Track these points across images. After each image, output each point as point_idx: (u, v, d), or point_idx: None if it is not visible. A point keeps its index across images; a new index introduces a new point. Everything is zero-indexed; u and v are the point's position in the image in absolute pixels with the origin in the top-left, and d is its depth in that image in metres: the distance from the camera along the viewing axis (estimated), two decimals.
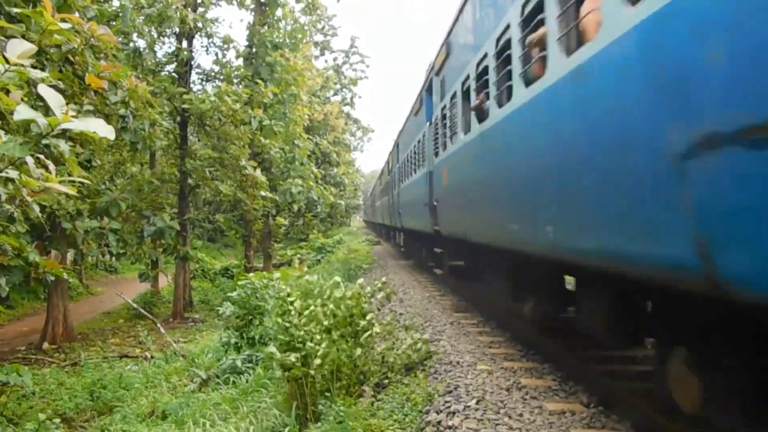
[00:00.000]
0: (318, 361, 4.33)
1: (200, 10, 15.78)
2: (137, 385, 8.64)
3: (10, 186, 3.03)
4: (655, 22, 2.11)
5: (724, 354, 2.38)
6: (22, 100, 2.25)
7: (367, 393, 4.47)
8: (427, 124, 9.09)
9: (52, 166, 2.95)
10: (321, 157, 29.85)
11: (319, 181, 21.14)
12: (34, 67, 2.33)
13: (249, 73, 16.10)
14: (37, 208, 3.09)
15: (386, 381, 4.69)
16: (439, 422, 3.50)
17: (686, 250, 1.95)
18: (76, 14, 6.94)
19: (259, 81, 15.28)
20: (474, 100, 5.27)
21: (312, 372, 4.45)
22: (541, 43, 3.43)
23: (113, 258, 21.88)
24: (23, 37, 4.60)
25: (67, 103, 2.15)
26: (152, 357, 10.70)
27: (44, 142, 2.33)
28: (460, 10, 6.33)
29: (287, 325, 4.73)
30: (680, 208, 1.98)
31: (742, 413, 2.34)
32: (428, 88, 9.11)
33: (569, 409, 3.58)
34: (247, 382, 6.52)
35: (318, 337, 4.54)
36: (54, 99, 1.95)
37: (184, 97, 13.85)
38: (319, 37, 31.65)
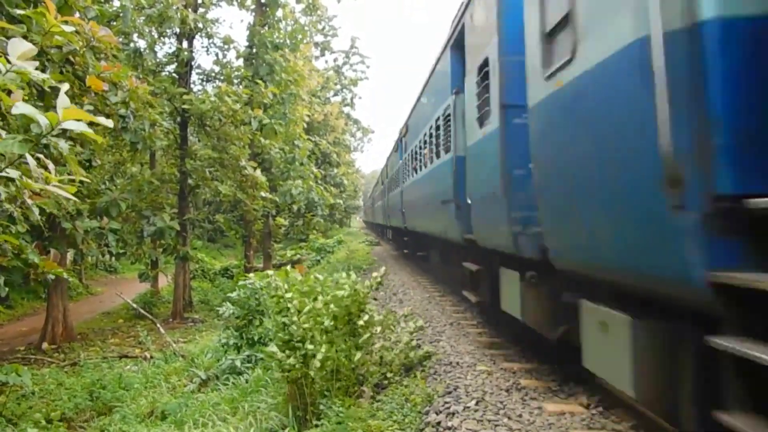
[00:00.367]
0: (317, 363, 4.34)
1: (201, 10, 15.80)
2: (137, 386, 8.64)
3: (11, 187, 3.04)
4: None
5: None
6: (23, 100, 2.26)
7: (366, 393, 4.47)
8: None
9: (51, 166, 2.96)
10: (321, 158, 29.86)
11: (319, 182, 21.16)
12: (36, 68, 2.34)
13: (249, 73, 16.11)
14: (36, 211, 3.10)
15: (385, 382, 4.69)
16: (438, 423, 3.50)
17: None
18: (77, 15, 6.96)
19: (260, 81, 15.30)
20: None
21: (311, 373, 4.45)
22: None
23: (113, 258, 21.86)
24: (24, 38, 4.61)
25: None
26: (152, 357, 10.70)
27: (44, 141, 2.34)
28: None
29: (285, 322, 4.73)
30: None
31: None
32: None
33: (569, 411, 3.58)
34: (246, 382, 6.53)
35: (318, 337, 4.54)
36: (61, 99, 2.07)
37: (185, 97, 13.87)
38: (319, 38, 31.74)
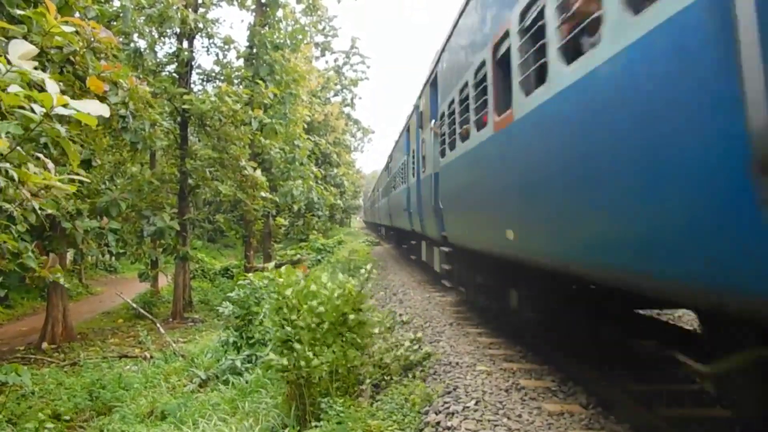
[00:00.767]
0: (303, 362, 4.34)
1: (201, 10, 15.81)
2: (136, 386, 8.64)
3: (10, 186, 3.04)
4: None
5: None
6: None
7: (366, 393, 4.47)
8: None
9: (51, 166, 2.96)
10: (321, 158, 29.87)
11: (320, 182, 21.17)
12: (34, 68, 2.35)
13: (249, 73, 16.12)
14: (36, 206, 3.10)
15: (384, 382, 4.70)
16: (438, 423, 3.51)
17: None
18: (77, 15, 6.96)
19: (260, 81, 15.31)
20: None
21: (305, 373, 4.45)
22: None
23: (113, 258, 21.89)
24: (24, 38, 4.62)
25: None
26: (151, 357, 10.70)
27: (43, 138, 2.36)
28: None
29: (283, 322, 4.73)
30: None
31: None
32: None
33: (568, 410, 3.59)
34: (246, 382, 6.53)
35: (306, 337, 4.53)
36: (51, 86, 2.12)
37: (185, 97, 13.87)
38: (319, 38, 31.73)
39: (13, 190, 3.19)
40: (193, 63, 15.86)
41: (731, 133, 1.55)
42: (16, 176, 2.79)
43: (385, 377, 4.76)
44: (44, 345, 12.21)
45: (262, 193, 15.14)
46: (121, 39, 12.62)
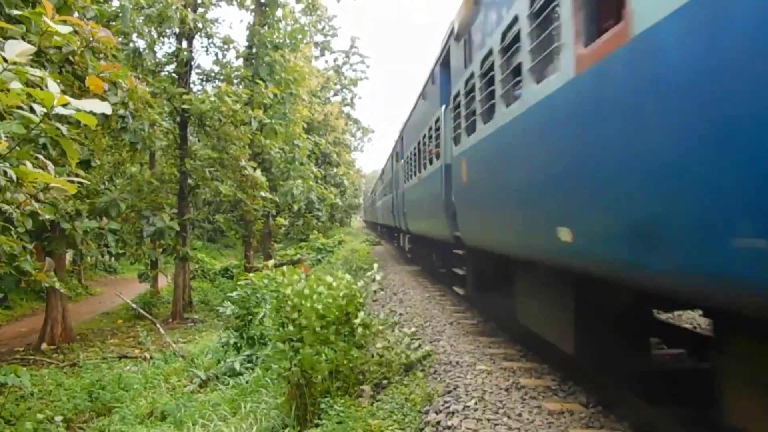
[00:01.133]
0: (319, 360, 4.34)
1: (200, 10, 15.80)
2: (136, 386, 8.64)
3: (9, 187, 3.03)
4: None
5: None
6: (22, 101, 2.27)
7: (366, 393, 4.47)
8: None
9: (51, 166, 2.95)
10: (321, 158, 29.86)
11: (320, 181, 21.16)
12: (33, 67, 2.34)
13: (249, 73, 16.11)
14: (34, 215, 3.09)
15: (385, 381, 4.69)
16: (438, 422, 3.50)
17: None
18: (76, 15, 6.95)
19: (259, 81, 15.30)
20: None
21: (310, 372, 4.45)
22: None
23: (112, 258, 21.89)
24: (23, 38, 4.61)
25: None
26: (151, 358, 10.69)
27: (42, 139, 2.36)
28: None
29: (286, 320, 4.73)
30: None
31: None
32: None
33: (568, 409, 3.58)
34: (246, 382, 6.52)
35: (309, 337, 4.53)
36: (53, 86, 2.14)
37: (184, 97, 13.87)
38: (319, 38, 31.72)
39: (12, 191, 3.18)
40: (192, 63, 15.86)
41: None
42: (14, 176, 2.79)
43: (387, 376, 4.75)
44: (43, 346, 12.19)
45: (262, 193, 15.14)
46: (120, 39, 12.61)
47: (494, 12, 4.35)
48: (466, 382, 4.22)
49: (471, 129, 5.16)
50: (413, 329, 5.72)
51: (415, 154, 9.95)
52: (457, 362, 4.78)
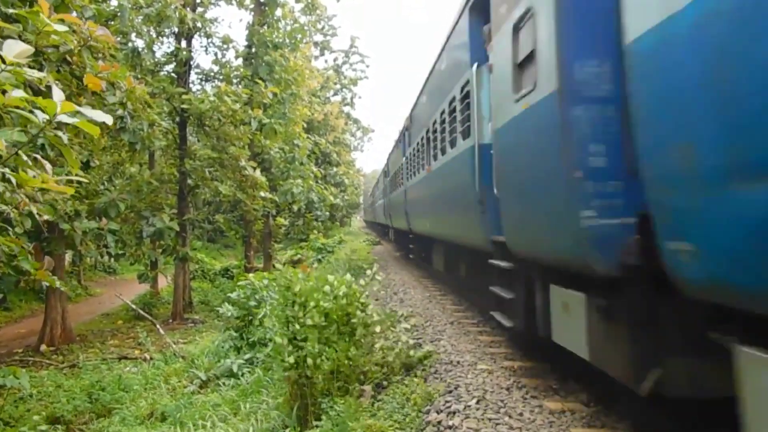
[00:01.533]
0: (323, 359, 4.32)
1: (199, 9, 15.76)
2: (136, 387, 8.62)
3: (8, 190, 3.01)
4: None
5: None
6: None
7: (367, 393, 4.45)
8: None
9: (49, 167, 2.93)
10: (321, 157, 29.83)
11: (320, 181, 21.15)
12: (31, 67, 2.32)
13: (248, 73, 16.08)
14: (35, 210, 3.08)
15: (386, 381, 4.68)
16: (439, 422, 3.49)
17: None
18: (74, 14, 6.93)
19: (259, 81, 15.27)
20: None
21: (308, 372, 4.44)
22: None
23: (112, 259, 21.87)
24: (20, 37, 4.58)
25: None
26: (151, 358, 10.67)
27: (41, 139, 2.34)
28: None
29: (291, 319, 4.71)
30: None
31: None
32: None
33: (569, 408, 3.57)
34: (247, 383, 6.51)
35: (313, 336, 4.52)
36: (57, 93, 2.10)
37: (183, 97, 13.83)
38: (318, 37, 31.63)
39: (10, 193, 3.17)
40: (191, 62, 15.82)
41: None
42: (13, 180, 2.77)
43: (388, 376, 4.74)
44: (43, 347, 12.17)
45: (262, 193, 15.11)
46: (118, 38, 12.58)
47: None
48: (467, 381, 4.20)
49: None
50: (412, 322, 5.69)
51: (424, 143, 8.81)
52: (458, 362, 4.77)
